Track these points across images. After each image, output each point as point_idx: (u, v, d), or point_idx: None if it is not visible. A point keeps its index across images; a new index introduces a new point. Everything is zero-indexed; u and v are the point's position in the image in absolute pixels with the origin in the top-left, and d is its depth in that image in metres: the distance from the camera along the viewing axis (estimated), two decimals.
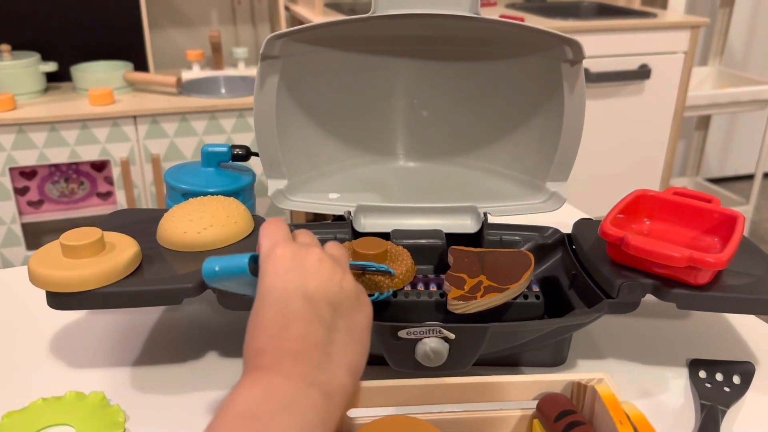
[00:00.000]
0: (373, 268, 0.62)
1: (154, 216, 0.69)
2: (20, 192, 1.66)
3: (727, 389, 0.61)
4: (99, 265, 0.56)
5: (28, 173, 1.66)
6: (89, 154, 1.58)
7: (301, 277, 0.40)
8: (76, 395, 0.59)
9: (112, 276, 0.56)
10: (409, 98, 0.78)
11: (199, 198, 0.68)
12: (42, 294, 0.56)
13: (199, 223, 0.63)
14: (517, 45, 0.71)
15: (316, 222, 0.75)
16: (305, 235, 0.46)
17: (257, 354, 0.37)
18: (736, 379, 0.62)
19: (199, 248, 0.62)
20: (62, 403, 0.58)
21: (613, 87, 1.96)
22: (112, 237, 0.60)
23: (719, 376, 0.62)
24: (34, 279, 0.56)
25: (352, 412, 0.49)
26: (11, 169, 1.56)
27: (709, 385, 0.61)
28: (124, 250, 0.58)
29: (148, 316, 0.71)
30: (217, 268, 0.44)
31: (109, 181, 1.72)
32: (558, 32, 0.65)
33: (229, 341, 0.67)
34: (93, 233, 0.57)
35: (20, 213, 1.62)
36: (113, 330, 0.69)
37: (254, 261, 0.44)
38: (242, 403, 0.34)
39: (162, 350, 0.66)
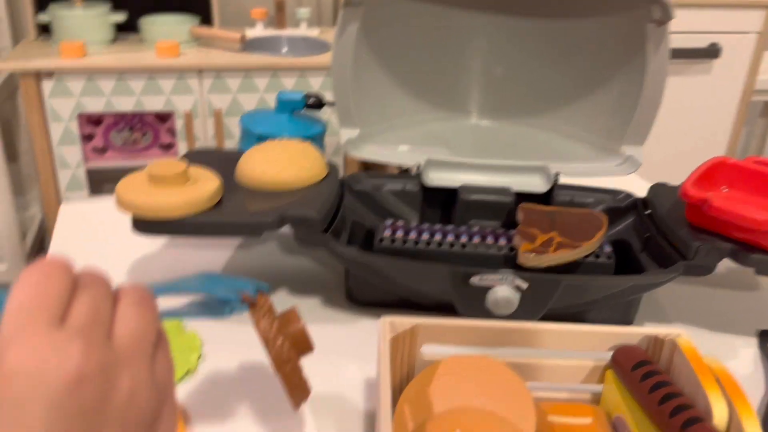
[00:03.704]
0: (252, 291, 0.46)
1: (231, 157, 0.70)
2: (86, 138, 1.71)
3: None
4: (183, 195, 0.58)
5: (94, 120, 1.71)
6: (154, 104, 1.61)
7: (44, 411, 0.24)
8: None
9: (196, 206, 0.58)
10: (486, 55, 0.78)
11: (276, 140, 0.69)
12: (127, 227, 0.58)
13: (278, 163, 0.64)
14: (602, 3, 0.70)
15: (380, 173, 0.75)
16: (89, 296, 0.27)
17: None
18: None
19: (277, 187, 0.64)
20: None
21: (680, 65, 1.90)
22: (195, 171, 0.62)
23: None
24: (122, 203, 0.58)
25: (425, 348, 0.50)
26: (79, 115, 1.61)
27: None
28: (207, 182, 0.60)
29: (221, 252, 0.73)
30: None
31: (172, 132, 1.75)
32: None
33: (298, 280, 0.69)
34: (178, 165, 0.59)
35: (85, 159, 1.67)
36: (186, 264, 0.71)
37: None
38: None
39: None
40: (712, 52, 1.90)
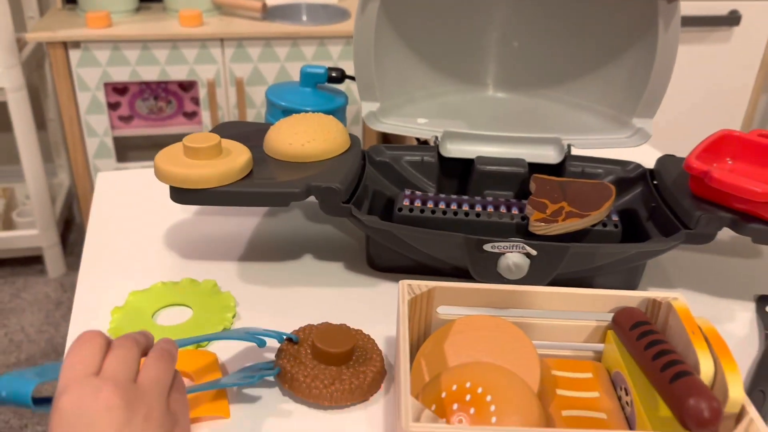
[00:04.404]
0: (279, 340, 0.54)
1: (259, 129, 0.74)
2: (112, 107, 1.75)
3: None
4: (217, 167, 0.62)
5: (120, 89, 1.75)
6: (178, 73, 1.65)
7: None
8: (190, 281, 0.66)
9: (229, 177, 0.62)
10: (502, 29, 0.81)
11: (302, 114, 0.73)
12: (162, 195, 0.63)
13: (303, 136, 0.68)
14: None
15: (399, 145, 0.79)
16: (118, 354, 0.39)
17: None
18: None
19: (303, 159, 0.68)
20: (179, 287, 0.65)
21: (699, 32, 1.90)
22: (227, 143, 0.66)
23: None
24: (160, 175, 0.62)
25: (441, 309, 0.54)
26: (106, 84, 1.65)
27: None
28: (238, 155, 0.64)
29: (251, 219, 0.78)
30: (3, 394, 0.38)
31: (195, 101, 1.79)
32: None
33: (321, 247, 0.74)
34: (212, 138, 0.63)
35: (112, 127, 1.72)
36: (220, 230, 0.76)
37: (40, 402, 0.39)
38: None
39: (264, 250, 0.73)
40: (732, 19, 1.89)
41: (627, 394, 0.49)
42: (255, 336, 0.53)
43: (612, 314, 0.53)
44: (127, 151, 1.95)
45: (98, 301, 0.63)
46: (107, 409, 0.36)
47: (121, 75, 1.64)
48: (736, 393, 0.42)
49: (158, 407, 0.38)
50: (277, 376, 0.53)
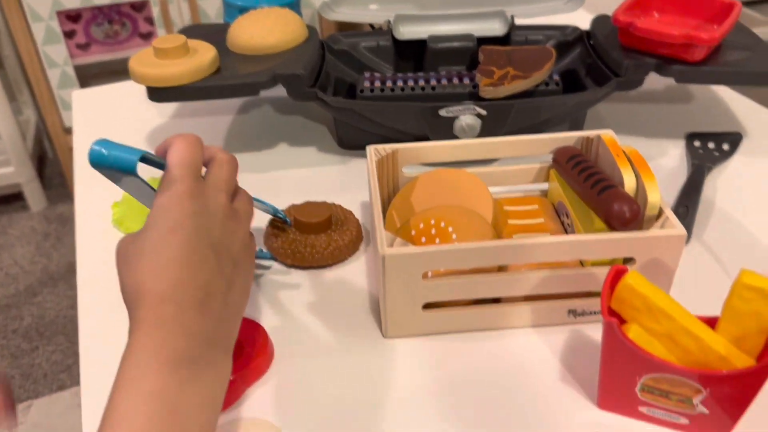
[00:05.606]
0: (272, 213, 0.59)
1: (219, 29, 0.79)
2: (68, 35, 1.75)
3: (716, 154, 0.72)
4: (187, 64, 0.67)
5: (73, 16, 1.74)
6: None
7: (207, 223, 0.40)
8: None
9: (199, 73, 0.67)
10: None
11: (259, 9, 0.77)
12: (138, 103, 0.68)
13: (263, 29, 0.73)
14: None
15: (355, 32, 0.84)
16: (218, 170, 0.43)
17: (160, 301, 0.36)
18: (725, 146, 0.73)
19: (265, 51, 0.73)
20: None
21: None
22: (194, 43, 0.71)
23: (711, 145, 0.73)
24: (136, 76, 0.67)
25: (405, 169, 0.61)
26: (58, 13, 1.64)
27: (701, 151, 0.73)
28: (206, 52, 0.69)
29: (225, 118, 0.83)
30: (105, 152, 0.41)
31: (150, 21, 1.79)
32: None
33: (293, 134, 0.80)
34: (179, 38, 0.68)
35: (71, 56, 1.72)
36: (197, 128, 0.81)
37: (145, 161, 0.43)
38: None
39: (240, 143, 0.79)
40: None
41: (567, 218, 0.57)
42: (260, 202, 0.57)
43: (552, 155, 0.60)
44: (89, 80, 1.95)
45: (99, 198, 0.69)
46: (224, 213, 0.41)
47: (72, 2, 1.63)
48: (654, 198, 0.50)
49: (248, 230, 0.45)
50: (278, 256, 0.60)
